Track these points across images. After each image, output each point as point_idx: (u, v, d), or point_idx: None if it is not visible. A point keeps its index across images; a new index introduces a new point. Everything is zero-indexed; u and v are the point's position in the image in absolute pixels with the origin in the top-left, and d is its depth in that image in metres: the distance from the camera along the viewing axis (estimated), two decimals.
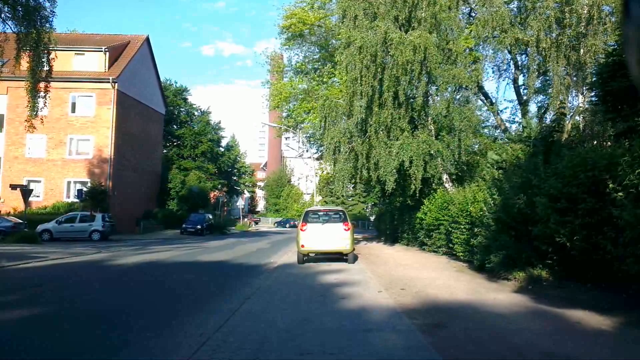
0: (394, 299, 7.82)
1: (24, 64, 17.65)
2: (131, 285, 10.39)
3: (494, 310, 6.85)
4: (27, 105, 17.78)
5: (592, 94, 18.49)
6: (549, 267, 8.82)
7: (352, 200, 67.14)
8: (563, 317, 6.36)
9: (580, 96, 19.68)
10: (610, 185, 6.71)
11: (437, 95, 18.72)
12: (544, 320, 6.31)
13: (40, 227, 26.69)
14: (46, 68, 18.13)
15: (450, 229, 14.59)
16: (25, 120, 18.07)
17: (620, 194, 6.49)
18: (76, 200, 32.89)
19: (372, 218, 59.59)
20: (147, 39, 41.37)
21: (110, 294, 9.04)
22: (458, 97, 19.00)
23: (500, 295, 8.01)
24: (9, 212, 29.97)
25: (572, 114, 18.19)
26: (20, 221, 25.69)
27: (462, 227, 13.31)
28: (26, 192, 24.80)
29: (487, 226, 10.76)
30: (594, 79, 17.59)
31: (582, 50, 19.00)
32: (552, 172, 8.60)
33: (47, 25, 17.19)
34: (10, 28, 17.27)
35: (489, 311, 6.79)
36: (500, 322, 6.19)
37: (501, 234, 9.95)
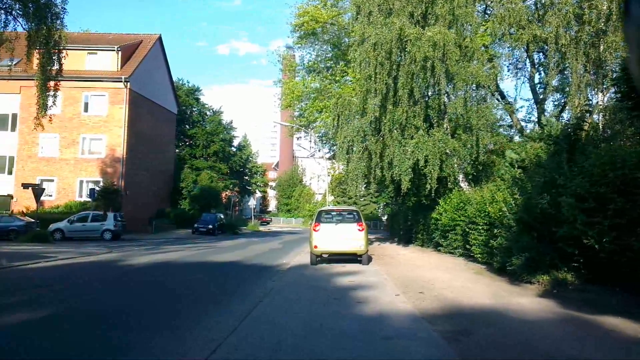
0: (413, 303, 7.48)
1: (35, 61, 17.53)
2: (141, 286, 10.15)
3: (519, 316, 6.48)
4: (37, 103, 17.65)
5: (613, 90, 18.05)
6: (575, 270, 8.43)
7: (364, 200, 66.68)
8: (595, 324, 5.98)
9: (600, 94, 19.19)
10: None
11: (453, 94, 18.31)
12: (574, 327, 5.94)
13: (52, 227, 26.69)
14: (57, 66, 17.99)
15: (467, 229, 14.19)
16: (35, 118, 17.97)
17: None
18: (89, 199, 32.87)
19: (384, 218, 59.09)
20: (160, 38, 41.36)
21: (118, 296, 8.78)
22: (474, 95, 18.57)
23: (524, 300, 7.63)
24: (22, 211, 30.03)
25: (579, 114, 17.76)
26: (33, 220, 25.69)
27: (480, 227, 12.90)
28: (38, 191, 24.75)
29: (507, 227, 10.36)
30: (614, 75, 17.17)
31: (601, 47, 18.53)
32: (578, 171, 8.21)
33: (58, 22, 17.06)
34: (22, 25, 17.21)
35: (514, 317, 6.42)
36: (527, 329, 5.83)
37: (523, 235, 9.56)
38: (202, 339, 5.28)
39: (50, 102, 18.02)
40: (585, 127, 14.35)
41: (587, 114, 13.78)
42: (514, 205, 10.15)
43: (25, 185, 25.93)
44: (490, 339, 5.36)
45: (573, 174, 8.37)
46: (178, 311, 7.12)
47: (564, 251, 8.39)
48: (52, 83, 17.80)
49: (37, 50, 17.21)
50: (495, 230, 11.14)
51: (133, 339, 5.43)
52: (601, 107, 18.31)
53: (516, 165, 12.94)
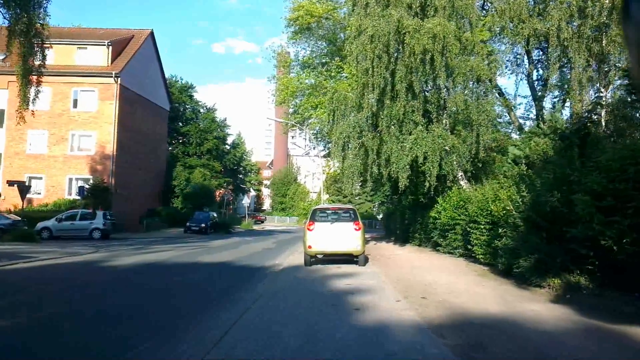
0: (416, 310, 6.85)
1: (16, 52, 16.71)
2: (121, 291, 9.43)
3: (535, 325, 5.84)
4: (18, 95, 16.87)
5: (616, 85, 17.54)
6: (588, 273, 7.82)
7: (359, 198, 66.07)
8: (621, 336, 5.33)
9: (602, 89, 18.65)
10: None
11: (453, 89, 17.71)
12: (598, 338, 5.31)
13: (39, 225, 25.91)
14: (40, 58, 17.16)
15: (468, 229, 13.58)
16: (17, 111, 17.17)
17: None
18: (78, 197, 32.11)
19: (379, 217, 58.51)
20: (152, 34, 40.56)
21: (93, 303, 8.08)
22: (474, 90, 17.99)
23: (537, 307, 7.01)
24: (10, 209, 29.19)
25: (590, 107, 17.22)
26: (20, 218, 24.89)
27: (482, 227, 12.30)
28: (23, 188, 23.97)
29: (513, 226, 9.75)
30: (619, 68, 16.64)
31: (604, 41, 18.03)
32: (594, 167, 7.60)
33: (41, 11, 16.25)
34: (2, 15, 16.37)
35: (529, 327, 5.78)
36: (547, 340, 5.20)
37: (531, 236, 8.95)
38: (184, 352, 4.66)
39: (32, 96, 17.22)
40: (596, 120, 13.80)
41: (598, 107, 13.18)
42: (520, 203, 9.54)
43: (10, 183, 25.16)
44: (507, 354, 4.73)
45: (587, 170, 7.77)
46: (158, 320, 6.47)
47: (576, 253, 7.78)
48: (34, 77, 16.97)
49: (17, 41, 16.39)
50: (500, 230, 10.52)
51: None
52: (604, 102, 17.80)
53: (523, 162, 12.32)
